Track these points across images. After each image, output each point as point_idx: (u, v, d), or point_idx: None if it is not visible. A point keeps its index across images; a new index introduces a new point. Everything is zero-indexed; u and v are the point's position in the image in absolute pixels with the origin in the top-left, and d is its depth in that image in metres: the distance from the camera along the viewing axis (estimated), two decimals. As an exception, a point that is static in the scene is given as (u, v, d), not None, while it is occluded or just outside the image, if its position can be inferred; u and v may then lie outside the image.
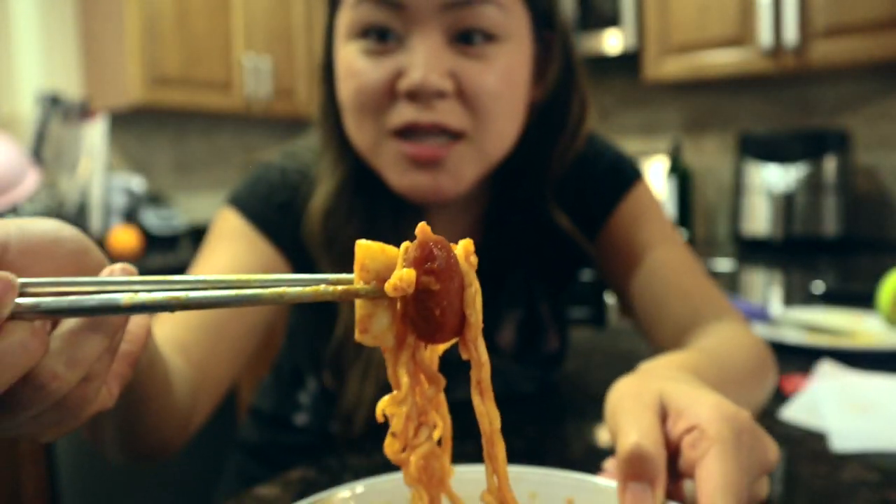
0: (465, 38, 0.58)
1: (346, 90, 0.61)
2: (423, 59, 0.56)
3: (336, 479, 0.57)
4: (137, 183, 2.48)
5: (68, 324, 0.29)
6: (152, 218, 2.56)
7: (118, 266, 0.31)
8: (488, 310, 0.73)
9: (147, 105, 2.43)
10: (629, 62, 2.40)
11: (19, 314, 0.26)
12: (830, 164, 2.05)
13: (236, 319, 0.63)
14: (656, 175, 2.48)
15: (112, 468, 1.99)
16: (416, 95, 0.57)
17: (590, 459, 0.61)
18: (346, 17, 0.60)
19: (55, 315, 0.28)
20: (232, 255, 0.65)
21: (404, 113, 0.58)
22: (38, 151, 2.29)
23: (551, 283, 0.79)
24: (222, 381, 0.62)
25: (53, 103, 2.32)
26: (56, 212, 2.29)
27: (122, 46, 2.39)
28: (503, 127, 0.61)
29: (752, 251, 2.14)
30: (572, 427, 0.69)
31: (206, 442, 2.38)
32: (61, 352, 0.28)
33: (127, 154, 2.77)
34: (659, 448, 0.37)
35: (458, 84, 0.58)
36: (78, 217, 2.33)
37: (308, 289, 0.29)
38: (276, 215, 0.68)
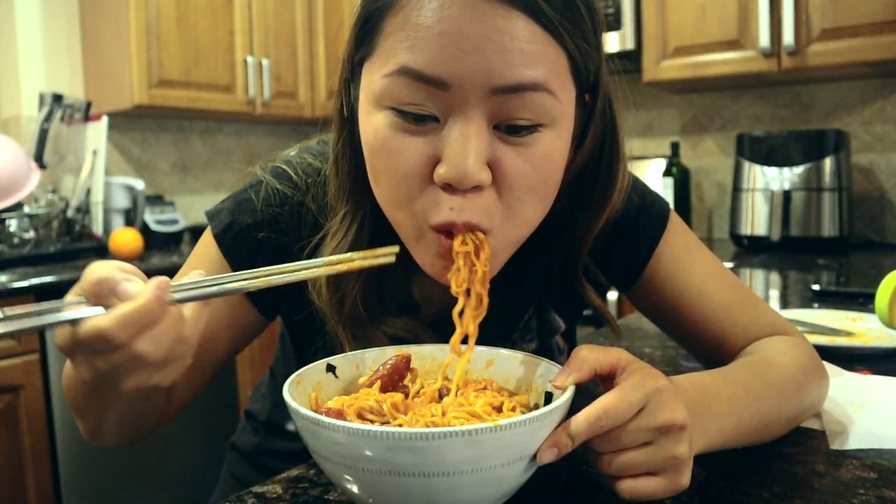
0: (509, 127, 0.53)
1: (377, 168, 0.56)
2: (461, 147, 0.51)
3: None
4: (139, 184, 2.49)
5: (188, 305, 0.46)
6: (153, 219, 2.56)
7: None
8: (503, 343, 0.74)
9: (149, 106, 2.44)
10: (628, 64, 2.41)
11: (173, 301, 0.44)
12: (828, 165, 2.06)
13: (218, 330, 0.68)
14: (655, 176, 2.49)
15: (113, 468, 1.99)
16: (452, 186, 0.52)
17: (589, 457, 0.62)
18: (376, 83, 0.54)
19: (187, 300, 0.45)
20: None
21: (442, 210, 0.53)
22: (41, 152, 2.30)
23: (567, 317, 0.78)
24: (197, 384, 0.70)
25: (56, 103, 2.33)
26: (58, 213, 2.30)
27: (125, 48, 2.40)
28: (529, 219, 0.57)
29: (750, 252, 2.15)
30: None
31: (206, 443, 2.38)
32: (192, 320, 0.45)
33: (128, 155, 2.77)
34: (591, 356, 0.50)
35: (495, 174, 0.53)
36: (79, 218, 2.33)
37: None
38: (249, 257, 0.68)
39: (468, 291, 0.57)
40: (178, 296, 0.45)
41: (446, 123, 0.52)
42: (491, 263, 0.57)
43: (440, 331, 0.66)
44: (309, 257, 0.66)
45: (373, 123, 0.55)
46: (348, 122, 0.62)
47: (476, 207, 0.53)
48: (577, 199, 0.66)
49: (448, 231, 0.54)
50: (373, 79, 0.54)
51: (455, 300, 0.58)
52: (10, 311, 0.40)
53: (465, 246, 0.55)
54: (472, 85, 0.50)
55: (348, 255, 0.52)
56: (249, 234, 0.68)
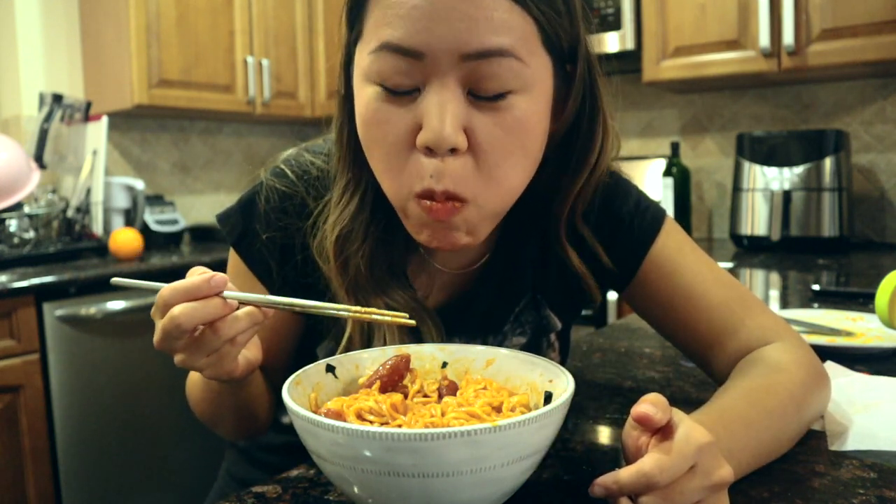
0: (481, 90, 0.56)
1: (369, 138, 0.61)
2: (438, 111, 0.55)
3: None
4: (139, 184, 2.49)
5: (240, 310, 0.54)
6: (153, 219, 2.56)
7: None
8: (494, 337, 0.76)
9: (149, 106, 2.44)
10: (628, 64, 2.41)
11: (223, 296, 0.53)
12: (828, 165, 2.06)
13: (282, 337, 0.75)
14: (655, 176, 2.49)
15: (113, 468, 1.99)
16: (432, 150, 0.57)
17: (589, 456, 0.62)
18: (365, 60, 0.59)
19: (236, 300, 0.54)
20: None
21: (423, 177, 0.58)
22: (41, 152, 2.30)
23: (564, 316, 0.79)
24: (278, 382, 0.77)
25: (56, 103, 2.33)
26: (58, 213, 2.30)
27: (125, 48, 2.40)
28: (510, 186, 0.61)
29: (750, 252, 2.15)
30: (572, 425, 0.70)
31: (206, 442, 2.38)
32: (232, 318, 0.54)
33: (128, 155, 2.77)
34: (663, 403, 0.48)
35: (471, 139, 0.57)
36: (79, 218, 2.33)
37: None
38: (260, 258, 0.72)
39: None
40: (230, 294, 0.54)
41: (426, 91, 0.57)
42: (474, 234, 0.62)
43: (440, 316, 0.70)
44: (309, 234, 0.71)
45: (363, 97, 0.60)
46: (348, 100, 0.66)
47: (454, 174, 0.57)
48: (561, 164, 0.68)
49: (430, 198, 0.58)
50: (362, 57, 0.60)
51: (441, 292, 0.67)
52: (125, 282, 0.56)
53: None
54: (443, 52, 0.55)
55: (371, 309, 0.57)
56: (258, 236, 0.72)
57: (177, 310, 0.51)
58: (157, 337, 0.54)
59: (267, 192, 0.72)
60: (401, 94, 0.57)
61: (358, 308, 0.57)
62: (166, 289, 0.52)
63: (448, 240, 0.61)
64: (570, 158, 0.68)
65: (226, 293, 0.53)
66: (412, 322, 0.57)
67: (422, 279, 0.73)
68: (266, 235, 0.71)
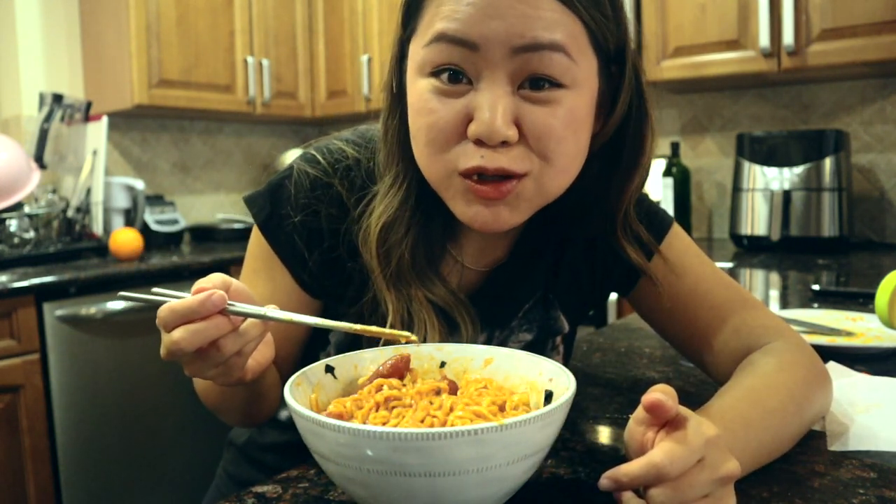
0: (532, 84, 0.59)
1: (418, 125, 0.63)
2: (490, 105, 0.58)
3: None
4: (139, 184, 2.49)
5: (243, 324, 0.54)
6: (153, 219, 2.56)
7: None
8: (501, 331, 0.76)
9: (149, 106, 2.44)
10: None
11: (225, 312, 0.53)
12: (828, 165, 2.06)
13: (295, 329, 0.75)
14: (655, 176, 2.49)
15: (113, 468, 1.99)
16: (483, 141, 0.58)
17: (590, 457, 0.62)
18: (419, 53, 0.62)
19: (238, 315, 0.54)
20: (272, 288, 0.74)
21: (472, 157, 0.60)
22: (41, 152, 2.30)
23: (572, 315, 0.80)
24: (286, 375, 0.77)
25: (56, 103, 2.33)
26: (58, 213, 2.30)
27: (125, 48, 2.40)
28: (565, 166, 0.62)
29: (750, 252, 2.15)
30: (572, 425, 0.70)
31: (206, 442, 2.38)
32: (235, 334, 0.54)
33: (128, 155, 2.77)
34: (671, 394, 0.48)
35: (523, 130, 0.59)
36: (80, 218, 2.33)
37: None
38: (288, 240, 0.72)
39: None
40: (232, 309, 0.53)
41: (477, 85, 0.59)
42: (519, 211, 0.62)
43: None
44: (352, 227, 0.71)
45: (416, 90, 0.62)
46: (399, 97, 0.68)
47: (504, 157, 0.59)
48: (610, 163, 0.70)
49: (474, 175, 0.60)
50: (417, 51, 0.62)
51: (468, 289, 0.68)
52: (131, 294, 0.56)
53: None
54: (497, 45, 0.57)
55: (370, 327, 0.58)
56: (285, 220, 0.72)
57: (177, 334, 0.51)
58: (162, 352, 0.54)
59: (297, 177, 0.72)
60: (453, 86, 0.60)
61: (356, 326, 0.57)
62: (164, 309, 0.52)
63: (494, 217, 0.62)
64: (619, 160, 0.69)
65: (228, 308, 0.53)
66: (414, 338, 0.58)
67: (449, 276, 0.74)
68: (295, 219, 0.71)
